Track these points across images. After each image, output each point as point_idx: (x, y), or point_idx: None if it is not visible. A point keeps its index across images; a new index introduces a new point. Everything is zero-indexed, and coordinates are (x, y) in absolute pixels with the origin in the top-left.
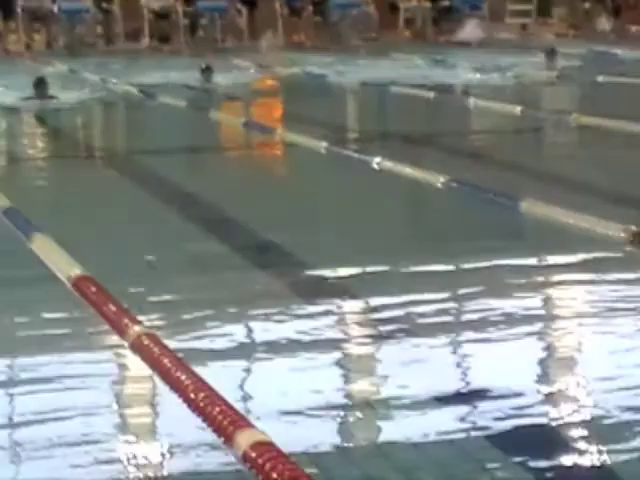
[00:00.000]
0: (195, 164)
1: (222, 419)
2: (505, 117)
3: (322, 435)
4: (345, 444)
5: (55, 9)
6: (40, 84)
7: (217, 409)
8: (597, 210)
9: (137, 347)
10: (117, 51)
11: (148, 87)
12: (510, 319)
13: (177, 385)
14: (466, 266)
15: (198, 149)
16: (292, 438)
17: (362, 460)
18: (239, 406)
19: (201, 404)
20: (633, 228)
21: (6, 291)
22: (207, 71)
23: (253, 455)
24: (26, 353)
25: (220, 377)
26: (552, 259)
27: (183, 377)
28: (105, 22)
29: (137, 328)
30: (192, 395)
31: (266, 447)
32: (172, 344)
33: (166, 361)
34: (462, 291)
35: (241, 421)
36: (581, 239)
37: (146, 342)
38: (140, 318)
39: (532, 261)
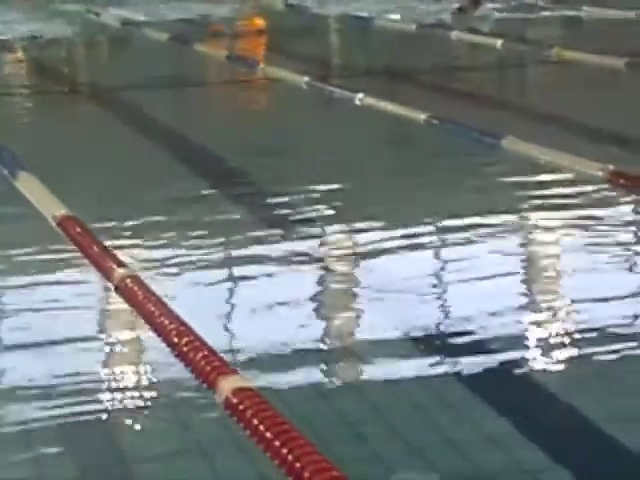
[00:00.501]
0: (177, 98)
1: (205, 365)
2: (487, 51)
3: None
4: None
5: None
6: None
7: (200, 354)
8: (577, 148)
9: (122, 289)
10: None
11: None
12: (486, 259)
13: (160, 329)
14: (441, 201)
15: (181, 83)
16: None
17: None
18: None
19: (184, 349)
20: (610, 167)
21: None
22: None
23: (235, 401)
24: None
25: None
26: (530, 198)
27: (166, 322)
28: None
29: (122, 270)
30: (175, 340)
31: (248, 393)
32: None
33: (149, 305)
34: (434, 228)
35: (224, 367)
36: (560, 177)
37: (130, 285)
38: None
39: (509, 200)
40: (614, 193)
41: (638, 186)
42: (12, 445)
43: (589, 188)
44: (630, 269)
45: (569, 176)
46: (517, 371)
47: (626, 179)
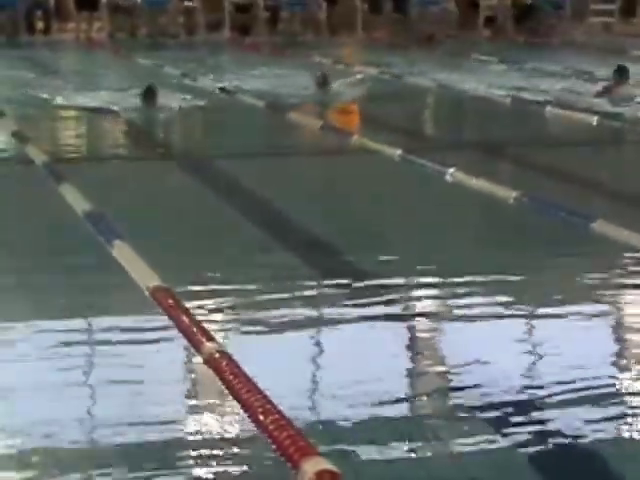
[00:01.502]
0: (269, 167)
1: (289, 444)
2: (582, 128)
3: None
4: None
5: (138, 0)
6: (149, 94)
7: (285, 434)
8: None
9: (211, 363)
10: (198, 42)
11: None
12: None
13: (247, 405)
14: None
15: (274, 152)
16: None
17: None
18: None
19: (270, 427)
20: None
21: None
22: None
23: None
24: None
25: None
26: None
27: (253, 399)
28: (187, 13)
29: (210, 345)
30: (261, 417)
31: (331, 476)
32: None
33: (237, 381)
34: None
35: (308, 448)
36: None
37: (219, 360)
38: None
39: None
40: None
41: None
42: None
43: None
44: None
45: None
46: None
47: None
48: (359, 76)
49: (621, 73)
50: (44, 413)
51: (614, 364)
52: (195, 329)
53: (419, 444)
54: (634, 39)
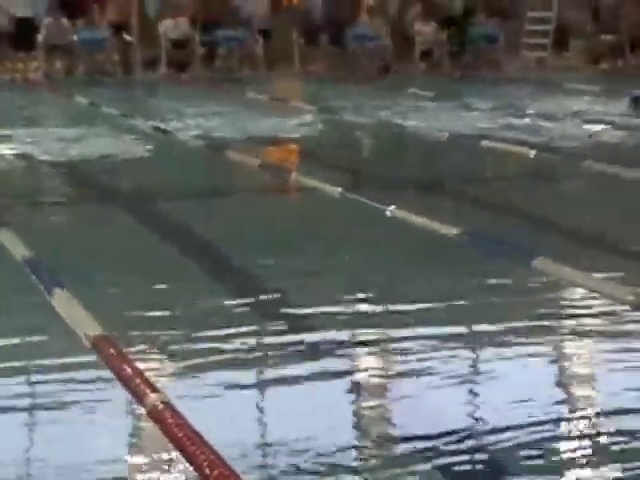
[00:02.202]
0: (206, 207)
1: None
2: (519, 161)
3: None
4: None
5: (74, 38)
6: None
7: None
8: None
9: (154, 416)
10: (135, 80)
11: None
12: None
13: (193, 459)
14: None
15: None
16: None
17: None
18: None
19: None
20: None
21: None
22: None
23: None
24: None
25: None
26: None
27: (198, 452)
28: (123, 51)
29: (154, 396)
30: (207, 471)
31: None
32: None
33: (182, 434)
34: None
35: None
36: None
37: (163, 412)
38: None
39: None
40: None
41: None
42: None
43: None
44: None
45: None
46: None
47: None
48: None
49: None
50: None
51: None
52: (138, 380)
53: None
54: (567, 73)
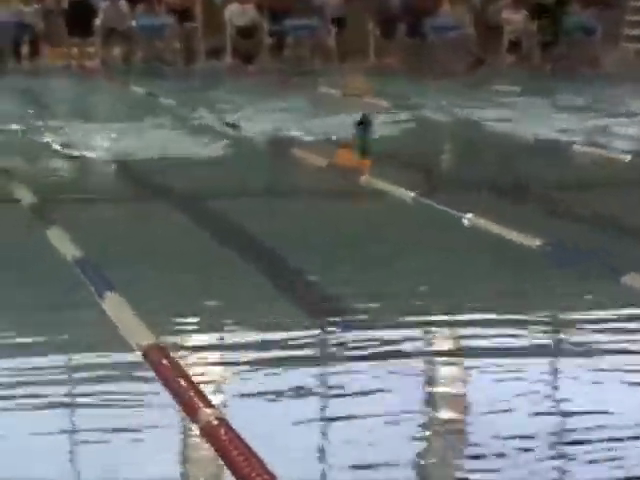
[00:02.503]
0: (269, 209)
1: None
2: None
3: None
4: None
5: (133, 24)
6: None
7: None
8: None
9: (207, 433)
10: (197, 70)
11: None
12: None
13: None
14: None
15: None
16: None
17: None
18: None
19: None
20: None
21: None
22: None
23: None
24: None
25: None
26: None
27: (250, 470)
28: (185, 38)
29: (209, 411)
30: None
31: None
32: None
33: (236, 453)
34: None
35: None
36: None
37: (217, 429)
38: None
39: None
40: None
41: None
42: None
43: None
44: None
45: None
46: None
47: None
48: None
49: None
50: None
51: None
52: (191, 393)
53: None
54: None
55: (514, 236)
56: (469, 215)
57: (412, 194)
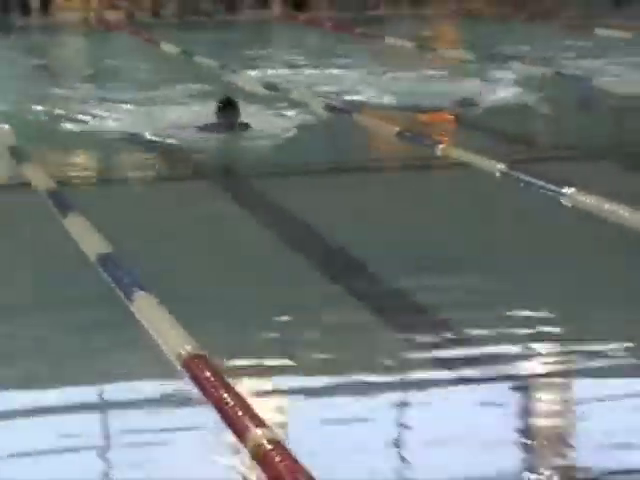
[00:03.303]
0: (332, 185)
1: None
2: None
3: None
4: None
5: None
6: (227, 108)
7: None
8: None
9: (258, 456)
10: (238, 21)
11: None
12: None
13: None
14: None
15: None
16: None
17: None
18: None
19: None
20: None
21: None
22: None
23: None
24: None
25: None
26: None
27: None
28: None
29: (260, 432)
30: None
31: None
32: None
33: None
34: None
35: None
36: None
37: (270, 452)
38: None
39: None
40: None
41: None
42: None
43: None
44: None
45: None
46: None
47: None
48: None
49: None
50: None
51: None
52: (240, 411)
53: None
54: None
55: (622, 213)
56: (569, 190)
57: (500, 166)
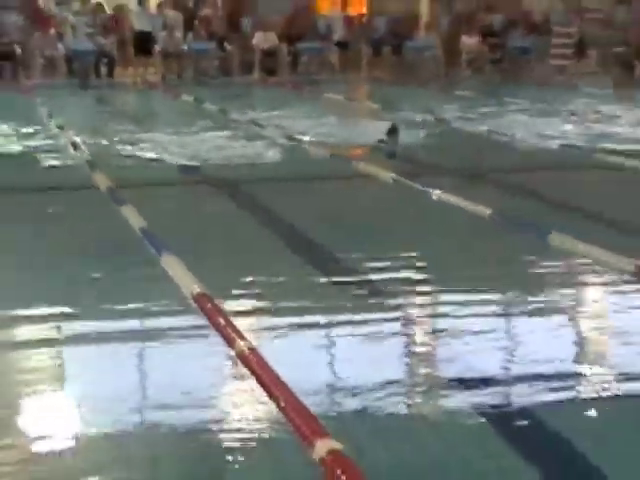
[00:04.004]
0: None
1: (305, 427)
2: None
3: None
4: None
5: (185, 48)
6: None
7: (301, 418)
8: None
9: (241, 358)
10: (232, 82)
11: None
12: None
13: (270, 393)
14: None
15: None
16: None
17: None
18: None
19: (289, 413)
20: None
21: None
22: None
23: (328, 460)
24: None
25: None
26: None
27: (274, 387)
28: (224, 58)
29: (242, 343)
30: (282, 404)
31: (339, 455)
32: None
33: (264, 374)
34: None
35: (321, 430)
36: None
37: (249, 355)
38: None
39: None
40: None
41: None
42: None
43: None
44: None
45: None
46: None
47: None
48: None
49: None
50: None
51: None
52: (230, 329)
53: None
54: (585, 77)
55: (470, 207)
56: (437, 191)
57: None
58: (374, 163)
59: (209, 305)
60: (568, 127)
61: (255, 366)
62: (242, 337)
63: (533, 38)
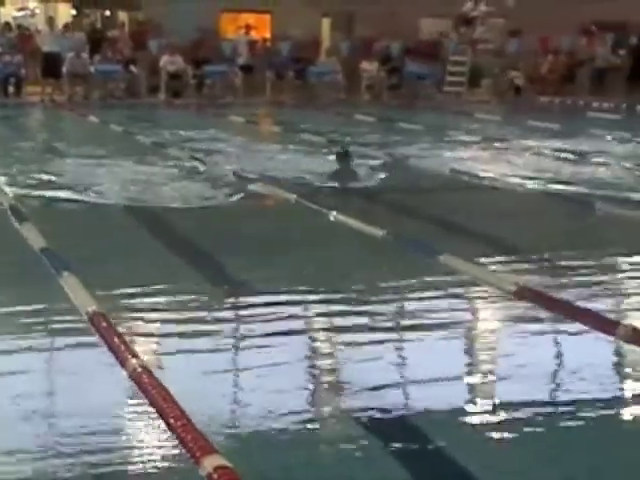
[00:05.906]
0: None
1: (193, 444)
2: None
3: None
4: None
5: (92, 70)
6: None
7: (189, 436)
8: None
9: (134, 377)
10: (139, 104)
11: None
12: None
13: (161, 411)
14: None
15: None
16: None
17: None
18: None
19: (178, 430)
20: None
21: None
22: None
23: (215, 477)
24: None
25: None
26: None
27: (165, 405)
28: (130, 80)
29: (134, 361)
30: (171, 421)
31: (227, 471)
32: None
33: (154, 392)
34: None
35: (209, 447)
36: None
37: (140, 373)
38: None
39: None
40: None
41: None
42: None
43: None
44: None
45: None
46: None
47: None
48: None
49: None
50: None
51: None
52: (123, 348)
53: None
54: (478, 104)
55: (365, 228)
56: (334, 212)
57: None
58: (273, 184)
59: (104, 324)
60: (461, 153)
61: (146, 385)
62: (135, 355)
63: (429, 65)
